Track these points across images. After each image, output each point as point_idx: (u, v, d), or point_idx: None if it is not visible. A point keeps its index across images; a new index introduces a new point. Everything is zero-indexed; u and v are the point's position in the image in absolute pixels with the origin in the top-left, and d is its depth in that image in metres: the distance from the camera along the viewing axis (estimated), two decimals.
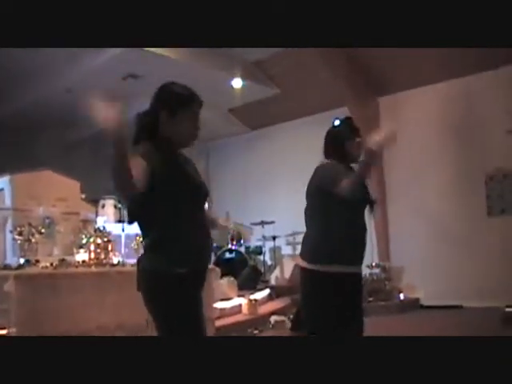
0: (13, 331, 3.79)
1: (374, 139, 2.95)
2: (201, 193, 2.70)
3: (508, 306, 6.97)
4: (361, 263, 3.56)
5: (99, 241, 4.61)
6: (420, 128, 9.87)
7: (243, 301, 7.09)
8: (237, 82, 10.00)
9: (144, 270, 2.56)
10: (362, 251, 3.54)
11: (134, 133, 2.64)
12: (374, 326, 7.90)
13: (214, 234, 8.74)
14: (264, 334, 6.39)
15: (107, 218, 7.09)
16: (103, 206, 7.94)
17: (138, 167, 2.34)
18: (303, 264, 3.45)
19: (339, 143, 3.62)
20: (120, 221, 7.35)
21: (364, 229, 3.54)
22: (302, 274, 3.47)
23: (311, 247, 3.46)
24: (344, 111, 10.38)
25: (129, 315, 3.93)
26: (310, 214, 3.56)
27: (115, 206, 7.82)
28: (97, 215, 7.12)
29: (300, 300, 3.60)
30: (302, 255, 3.49)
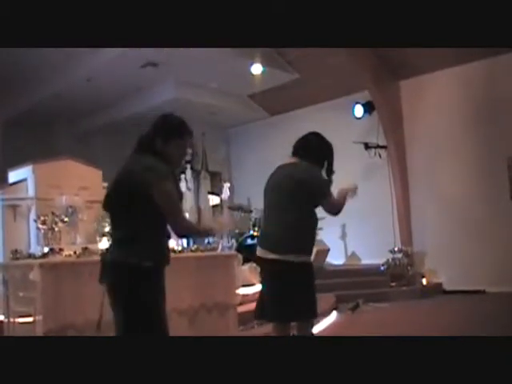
0: (39, 319, 3.84)
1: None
2: None
3: None
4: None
5: None
6: (441, 112, 9.77)
7: None
8: (256, 68, 9.95)
9: (115, 261, 2.80)
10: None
11: (135, 145, 3.00)
12: (397, 310, 7.91)
13: (237, 220, 8.74)
14: None
15: None
16: None
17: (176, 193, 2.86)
18: (275, 256, 3.50)
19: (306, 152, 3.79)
20: None
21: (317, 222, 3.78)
22: (275, 265, 3.50)
23: (286, 241, 3.52)
24: (365, 95, 10.34)
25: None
26: (283, 208, 3.61)
27: None
28: None
29: (271, 289, 3.62)
30: (272, 246, 3.53)
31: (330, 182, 3.68)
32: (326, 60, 9.63)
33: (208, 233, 3.21)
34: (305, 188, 3.55)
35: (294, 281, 3.47)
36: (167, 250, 2.97)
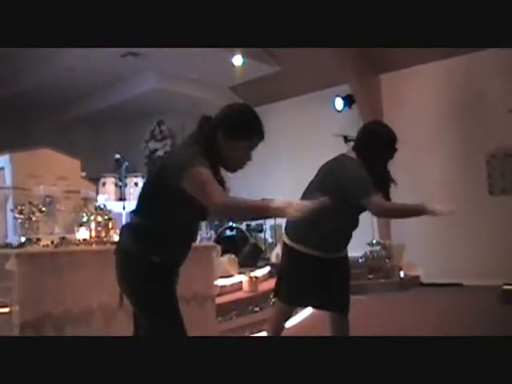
0: (15, 309, 3.81)
1: (438, 209, 3.32)
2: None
3: (506, 284, 7.01)
4: (344, 250, 3.74)
5: (100, 219, 4.62)
6: (421, 106, 9.84)
7: (244, 278, 7.12)
8: (237, 60, 9.94)
9: (125, 252, 2.65)
10: (347, 244, 3.74)
11: (194, 131, 2.64)
12: (374, 303, 7.97)
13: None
14: (264, 312, 6.43)
15: (108, 196, 7.11)
16: (104, 184, 7.97)
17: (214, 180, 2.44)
18: (290, 243, 3.61)
19: (382, 150, 3.55)
20: (121, 199, 7.37)
21: (357, 226, 3.71)
22: (286, 249, 3.64)
23: (303, 230, 3.54)
24: (345, 89, 10.37)
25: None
26: (313, 198, 3.60)
27: (116, 184, 7.85)
28: (97, 193, 7.13)
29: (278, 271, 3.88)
30: (290, 234, 3.59)
31: (369, 180, 3.36)
32: (306, 53, 9.63)
33: (265, 209, 2.43)
34: (332, 185, 3.42)
35: (295, 267, 3.59)
36: (185, 249, 2.78)
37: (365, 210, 3.54)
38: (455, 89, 9.47)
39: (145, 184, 2.77)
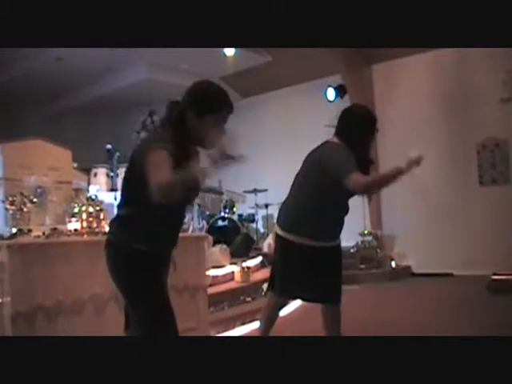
0: (6, 300, 3.80)
1: (409, 161, 3.35)
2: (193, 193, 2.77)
3: (494, 274, 7.06)
4: (336, 238, 3.74)
5: (91, 210, 4.61)
6: (413, 97, 9.84)
7: (236, 268, 7.13)
8: (229, 50, 9.89)
9: (110, 242, 2.71)
10: (340, 230, 3.74)
11: (164, 117, 2.70)
12: (366, 293, 8.01)
13: (207, 202, 8.70)
14: (256, 302, 6.44)
15: (99, 186, 7.08)
16: (95, 175, 7.92)
17: (165, 161, 2.42)
18: (278, 231, 3.66)
19: (360, 130, 3.59)
20: (112, 189, 7.34)
21: (347, 211, 3.71)
22: (278, 240, 3.62)
23: (289, 218, 3.58)
24: (337, 79, 10.36)
25: None
26: (300, 186, 3.66)
27: (107, 175, 7.81)
28: (89, 184, 7.10)
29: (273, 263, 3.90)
30: (281, 224, 3.62)
31: (349, 160, 3.40)
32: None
33: (191, 180, 2.44)
34: (316, 170, 3.53)
35: (287, 258, 3.62)
36: (170, 235, 2.77)
37: (352, 195, 3.56)
38: (446, 79, 9.48)
39: (124, 173, 2.80)
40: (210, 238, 5.46)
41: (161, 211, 2.56)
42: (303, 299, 4.09)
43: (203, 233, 6.88)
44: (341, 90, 10.28)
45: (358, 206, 10.30)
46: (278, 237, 3.68)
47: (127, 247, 2.61)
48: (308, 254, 3.55)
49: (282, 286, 3.66)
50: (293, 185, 3.73)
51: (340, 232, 3.75)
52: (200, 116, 2.60)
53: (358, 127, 3.56)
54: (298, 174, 3.72)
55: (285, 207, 3.77)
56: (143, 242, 2.60)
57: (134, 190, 2.64)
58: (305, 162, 3.70)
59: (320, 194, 3.52)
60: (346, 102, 10.26)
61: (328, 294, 3.65)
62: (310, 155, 3.69)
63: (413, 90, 9.84)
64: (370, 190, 3.57)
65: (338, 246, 3.77)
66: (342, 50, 9.82)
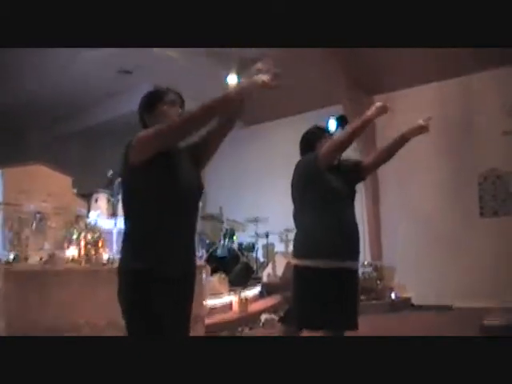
0: (1, 326, 3.77)
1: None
2: (190, 193, 2.64)
3: (487, 320, 6.88)
4: (352, 259, 3.57)
5: (89, 237, 4.59)
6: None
7: (234, 298, 7.08)
8: (232, 78, 9.95)
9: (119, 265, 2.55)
10: (353, 246, 3.57)
11: None
12: (366, 324, 7.89)
13: (207, 229, 8.68)
14: (254, 333, 6.38)
15: (100, 211, 7.06)
16: (96, 200, 7.91)
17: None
18: (292, 261, 3.57)
19: (311, 145, 3.71)
20: (113, 215, 7.32)
21: (353, 224, 3.59)
22: (294, 272, 3.55)
23: (298, 243, 3.53)
24: (338, 109, 10.39)
25: (120, 313, 3.87)
26: (296, 211, 3.64)
27: (108, 200, 7.80)
28: (89, 209, 7.09)
29: (291, 296, 3.68)
30: (295, 251, 3.57)
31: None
32: (300, 73, 9.67)
33: (229, 97, 2.39)
34: (301, 182, 3.58)
35: (297, 286, 3.49)
36: (177, 255, 2.50)
37: (342, 198, 3.55)
38: (448, 111, 9.50)
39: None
40: (208, 267, 5.43)
41: (158, 223, 2.45)
42: (325, 328, 3.54)
43: (202, 262, 6.85)
44: (342, 120, 10.27)
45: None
46: (294, 268, 3.54)
47: (125, 267, 2.47)
48: (326, 278, 3.37)
49: (302, 318, 3.51)
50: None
51: (355, 251, 3.58)
52: (153, 113, 2.71)
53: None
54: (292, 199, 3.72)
55: (293, 237, 3.70)
56: (141, 260, 2.42)
57: (129, 203, 2.56)
58: (293, 179, 3.73)
59: (315, 205, 3.49)
60: None
61: (348, 319, 3.52)
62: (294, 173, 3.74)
63: (414, 121, 9.84)
64: (336, 149, 3.45)
65: (356, 270, 3.62)
66: (344, 80, 9.89)
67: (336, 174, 3.56)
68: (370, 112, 3.36)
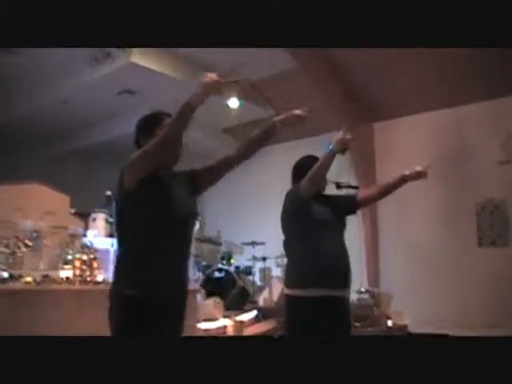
0: None
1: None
2: (182, 219, 2.63)
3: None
4: (341, 286, 3.57)
5: (85, 257, 4.57)
6: (413, 155, 9.86)
7: (228, 322, 7.02)
8: (233, 102, 9.98)
9: (110, 289, 2.54)
10: (341, 274, 3.59)
11: None
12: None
13: (204, 252, 8.65)
14: None
15: (98, 231, 7.04)
16: (94, 220, 7.89)
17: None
18: (284, 291, 3.57)
19: (302, 174, 3.71)
20: (110, 235, 7.29)
21: (342, 252, 3.63)
22: (286, 302, 3.53)
23: (288, 273, 3.55)
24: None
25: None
26: (285, 241, 3.65)
27: (106, 221, 7.77)
28: (87, 229, 7.06)
29: (283, 325, 3.67)
30: (286, 280, 3.58)
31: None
32: (300, 100, 9.69)
33: (191, 105, 2.51)
34: (290, 211, 3.64)
35: (288, 315, 3.48)
36: (169, 279, 2.49)
37: (330, 227, 3.60)
38: (446, 140, 9.55)
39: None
40: (203, 290, 5.39)
41: (152, 247, 2.46)
42: None
43: (196, 285, 6.80)
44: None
45: (355, 263, 10.23)
46: (286, 298, 3.52)
47: (118, 293, 2.45)
48: (315, 305, 3.36)
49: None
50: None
51: (345, 278, 3.59)
52: (150, 136, 2.68)
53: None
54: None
55: (289, 264, 3.69)
56: (135, 285, 2.40)
57: (123, 227, 2.55)
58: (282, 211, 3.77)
59: (305, 233, 3.48)
60: (346, 158, 10.31)
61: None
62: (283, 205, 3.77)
63: (413, 149, 9.89)
64: (315, 178, 3.52)
65: (344, 295, 3.59)
66: (343, 106, 9.93)
67: (324, 203, 3.67)
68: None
